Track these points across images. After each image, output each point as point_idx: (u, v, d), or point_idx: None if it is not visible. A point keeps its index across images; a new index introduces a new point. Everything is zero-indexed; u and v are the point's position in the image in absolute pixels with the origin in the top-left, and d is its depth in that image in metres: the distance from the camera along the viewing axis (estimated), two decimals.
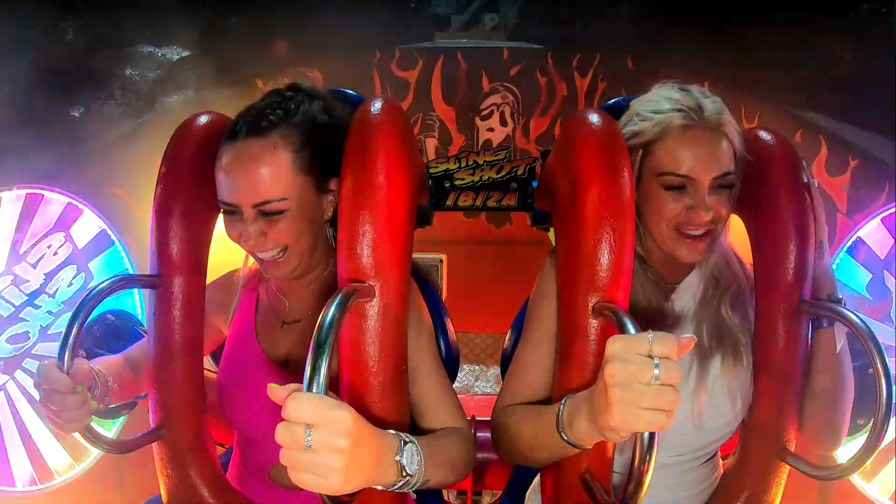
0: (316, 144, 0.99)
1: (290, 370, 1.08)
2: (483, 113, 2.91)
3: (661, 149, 1.02)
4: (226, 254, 1.19)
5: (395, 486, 0.75)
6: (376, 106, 0.96)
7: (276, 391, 0.64)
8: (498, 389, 1.09)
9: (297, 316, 1.12)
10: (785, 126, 2.32)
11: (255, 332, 1.12)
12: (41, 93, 2.19)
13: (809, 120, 2.51)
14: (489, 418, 1.06)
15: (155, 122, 2.49)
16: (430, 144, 2.87)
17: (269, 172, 0.95)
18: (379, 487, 0.73)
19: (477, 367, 3.01)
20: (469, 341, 3.01)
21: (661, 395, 0.65)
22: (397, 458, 0.73)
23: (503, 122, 2.90)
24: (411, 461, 0.75)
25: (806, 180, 1.06)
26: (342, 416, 0.63)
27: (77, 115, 2.44)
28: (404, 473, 0.74)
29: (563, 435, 0.82)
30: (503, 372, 1.17)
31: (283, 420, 0.62)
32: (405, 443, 0.75)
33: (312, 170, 0.99)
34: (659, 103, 1.03)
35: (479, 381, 2.96)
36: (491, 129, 2.90)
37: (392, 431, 0.75)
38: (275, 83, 1.30)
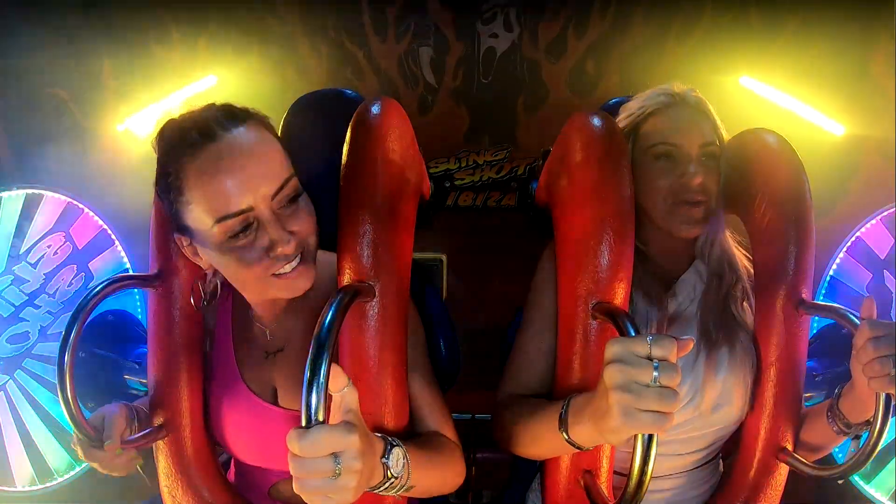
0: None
1: (279, 405, 1.00)
2: (485, 16, 2.45)
3: (647, 126, 1.10)
4: None
5: (380, 489, 0.75)
6: (376, 106, 0.96)
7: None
8: None
9: (280, 344, 1.02)
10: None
11: (238, 365, 1.03)
12: None
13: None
14: (488, 415, 1.06)
15: None
16: (425, 55, 2.49)
17: (271, 149, 0.87)
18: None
19: None
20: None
21: (661, 398, 0.64)
22: (383, 459, 0.74)
23: (508, 27, 2.46)
24: (396, 463, 0.76)
25: (805, 181, 1.06)
26: (353, 439, 0.64)
27: None
28: (389, 475, 0.74)
29: (565, 435, 0.83)
30: (503, 361, 1.17)
31: (296, 456, 0.62)
32: (392, 446, 0.76)
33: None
34: (644, 96, 1.14)
35: None
36: (494, 36, 2.47)
37: (379, 434, 0.76)
38: None
